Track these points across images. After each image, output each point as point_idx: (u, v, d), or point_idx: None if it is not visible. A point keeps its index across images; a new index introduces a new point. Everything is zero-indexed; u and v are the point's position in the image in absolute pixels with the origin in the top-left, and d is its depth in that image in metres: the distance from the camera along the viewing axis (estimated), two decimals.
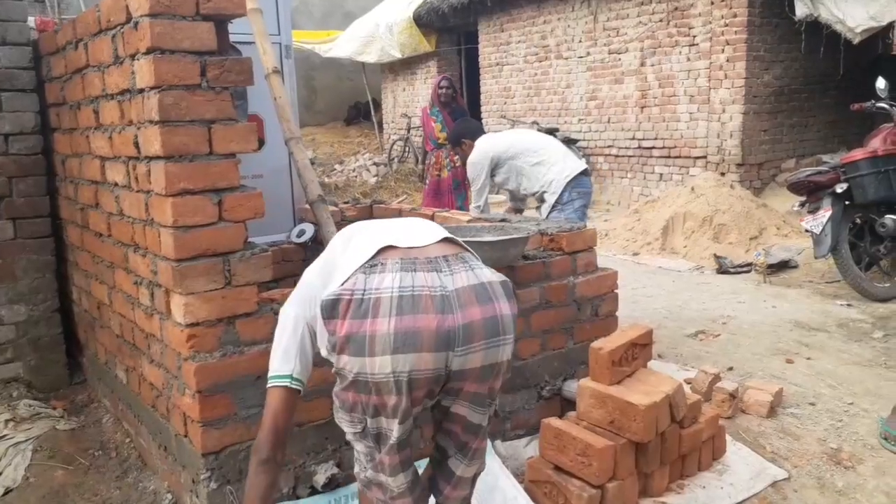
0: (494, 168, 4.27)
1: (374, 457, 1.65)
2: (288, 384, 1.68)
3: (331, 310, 1.55)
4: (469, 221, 3.18)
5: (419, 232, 1.72)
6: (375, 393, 1.55)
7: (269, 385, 1.70)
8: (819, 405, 3.25)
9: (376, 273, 1.55)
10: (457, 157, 5.93)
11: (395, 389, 1.52)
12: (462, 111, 6.28)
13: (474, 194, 4.45)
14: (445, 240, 1.71)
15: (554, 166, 4.21)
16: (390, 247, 1.62)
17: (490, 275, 1.65)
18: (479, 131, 4.68)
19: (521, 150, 4.27)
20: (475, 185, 4.40)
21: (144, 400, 2.58)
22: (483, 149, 4.33)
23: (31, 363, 3.31)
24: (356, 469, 1.75)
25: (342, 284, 1.57)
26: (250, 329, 2.14)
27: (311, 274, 1.77)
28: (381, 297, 1.51)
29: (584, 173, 4.27)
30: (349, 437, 1.70)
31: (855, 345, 4.06)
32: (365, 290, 1.53)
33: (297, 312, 1.71)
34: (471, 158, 4.39)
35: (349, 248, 1.69)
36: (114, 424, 3.02)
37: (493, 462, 2.53)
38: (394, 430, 1.59)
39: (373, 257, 1.59)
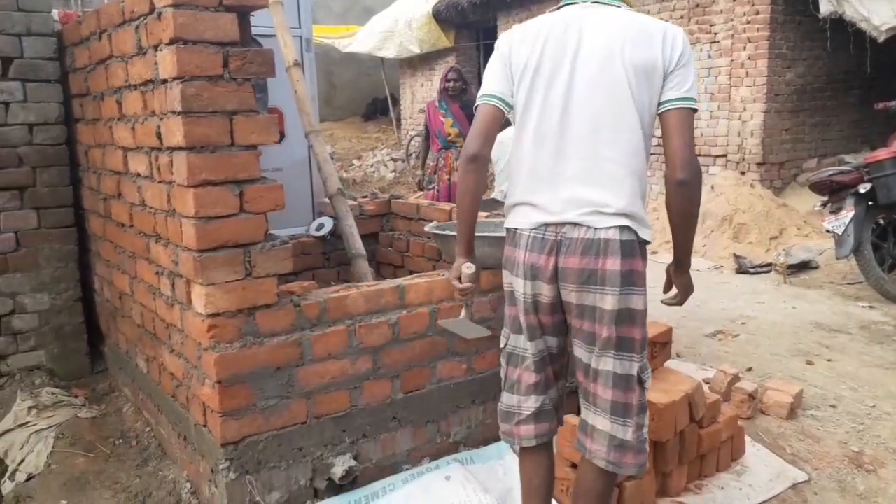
0: None
1: (509, 379, 1.99)
2: (496, 103, 1.94)
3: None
4: (489, 216, 3.17)
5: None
6: (518, 308, 1.92)
7: (479, 102, 1.97)
8: (840, 407, 3.21)
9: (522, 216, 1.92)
10: None
11: (524, 307, 1.90)
12: (473, 104, 5.90)
13: (501, 173, 4.24)
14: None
15: None
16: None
17: (614, 234, 1.80)
18: None
19: None
20: (501, 163, 4.20)
21: (165, 389, 2.60)
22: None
23: (53, 352, 3.35)
24: (498, 408, 2.05)
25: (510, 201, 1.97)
26: (270, 320, 2.15)
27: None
28: (522, 234, 1.90)
29: None
30: (500, 360, 2.04)
31: (877, 347, 4.01)
32: (517, 229, 1.92)
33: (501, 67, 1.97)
34: (501, 135, 4.24)
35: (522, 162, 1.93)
36: (134, 413, 3.05)
37: (511, 459, 2.53)
38: (528, 348, 1.93)
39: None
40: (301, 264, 3.57)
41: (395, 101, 13.98)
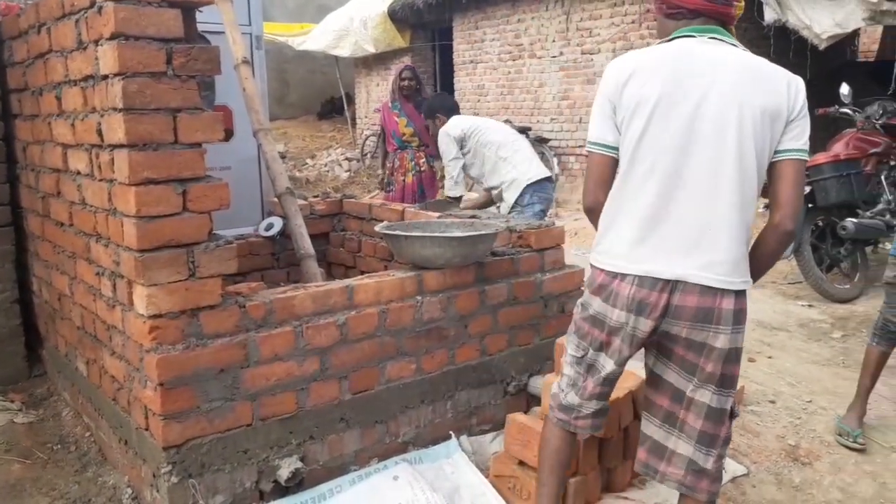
0: (463, 143, 4.29)
1: (578, 384, 2.00)
2: (608, 153, 1.92)
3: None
4: (440, 217, 3.18)
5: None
6: (608, 333, 1.90)
7: (589, 149, 1.96)
8: (779, 403, 3.32)
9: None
10: (422, 159, 5.59)
11: (622, 337, 1.88)
12: (427, 102, 5.68)
13: (448, 166, 4.39)
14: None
15: (519, 166, 4.23)
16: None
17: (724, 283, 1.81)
18: (456, 109, 4.61)
19: (492, 139, 4.31)
20: (447, 157, 4.37)
21: (105, 393, 2.54)
22: (455, 120, 4.41)
23: None
24: (554, 389, 2.09)
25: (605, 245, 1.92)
26: (214, 322, 2.11)
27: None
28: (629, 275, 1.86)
29: (549, 180, 4.32)
30: (567, 359, 2.04)
31: (815, 344, 4.15)
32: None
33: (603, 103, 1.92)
34: (443, 129, 4.41)
35: (625, 197, 1.88)
36: (73, 418, 2.96)
37: (460, 458, 2.54)
38: (607, 367, 1.94)
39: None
40: (250, 265, 3.52)
41: (350, 100, 13.90)
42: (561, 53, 9.25)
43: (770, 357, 3.91)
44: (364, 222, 3.69)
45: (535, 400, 2.83)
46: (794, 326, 4.49)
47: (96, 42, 2.08)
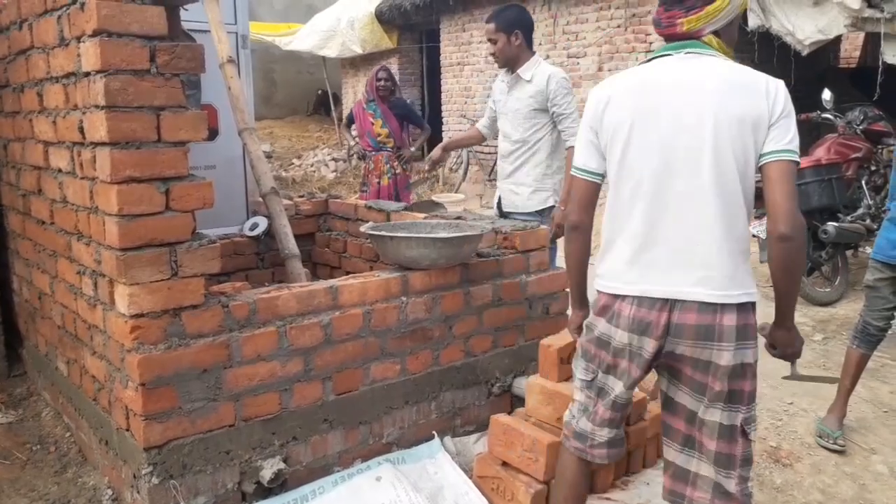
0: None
1: (590, 409, 1.98)
2: (591, 179, 1.96)
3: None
4: (425, 218, 3.18)
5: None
6: (613, 355, 1.89)
7: (574, 174, 1.99)
8: (760, 405, 3.34)
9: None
10: (397, 162, 5.43)
11: (627, 357, 1.86)
12: (403, 104, 5.74)
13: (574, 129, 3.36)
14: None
15: (558, 176, 3.56)
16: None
17: (728, 298, 1.78)
18: (533, 26, 3.70)
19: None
20: (575, 119, 3.41)
21: (86, 393, 2.51)
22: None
23: None
24: (566, 417, 2.07)
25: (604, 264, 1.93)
26: (196, 321, 2.10)
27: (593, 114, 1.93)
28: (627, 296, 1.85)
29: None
30: (576, 384, 2.02)
31: None
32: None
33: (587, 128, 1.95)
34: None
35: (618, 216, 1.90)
36: (53, 418, 2.93)
37: (443, 458, 2.54)
38: (616, 389, 1.92)
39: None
40: (234, 264, 3.51)
41: (337, 101, 13.86)
42: (547, 57, 9.26)
43: None
44: (349, 223, 3.68)
45: (519, 401, 2.84)
46: None
47: (79, 39, 2.06)
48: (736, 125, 1.74)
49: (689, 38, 1.84)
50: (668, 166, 1.78)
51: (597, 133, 1.91)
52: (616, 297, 1.87)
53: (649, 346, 1.82)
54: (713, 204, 1.76)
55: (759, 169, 1.79)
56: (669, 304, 1.79)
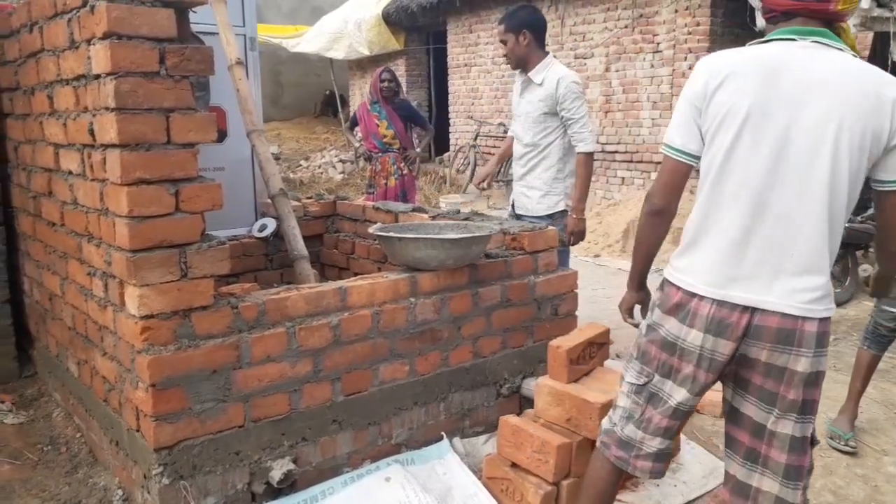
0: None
1: (635, 416, 1.88)
2: (685, 161, 1.81)
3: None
4: (433, 219, 3.18)
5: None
6: (679, 357, 1.78)
7: (666, 153, 1.83)
8: None
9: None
10: (403, 163, 5.45)
11: (697, 362, 1.76)
12: (407, 105, 5.69)
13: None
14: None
15: (570, 179, 3.51)
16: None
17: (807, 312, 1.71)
18: (545, 27, 3.77)
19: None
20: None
21: (96, 394, 2.52)
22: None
23: None
24: (605, 425, 1.98)
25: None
26: (206, 322, 2.10)
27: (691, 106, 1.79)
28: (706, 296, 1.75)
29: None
30: (624, 388, 1.92)
31: None
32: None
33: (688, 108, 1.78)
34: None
35: (711, 207, 1.76)
36: (64, 419, 2.94)
37: (452, 459, 2.54)
38: (678, 398, 1.81)
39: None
40: (243, 266, 3.52)
41: (345, 102, 13.90)
42: (555, 57, 9.26)
43: None
44: (358, 224, 3.68)
45: (528, 402, 2.83)
46: None
47: (89, 41, 2.07)
48: (858, 137, 1.62)
49: (830, 22, 1.69)
50: (778, 169, 1.66)
51: (701, 112, 1.74)
52: (694, 295, 1.76)
53: (725, 348, 1.73)
54: (821, 218, 1.66)
55: (881, 193, 1.75)
56: (751, 309, 1.71)
